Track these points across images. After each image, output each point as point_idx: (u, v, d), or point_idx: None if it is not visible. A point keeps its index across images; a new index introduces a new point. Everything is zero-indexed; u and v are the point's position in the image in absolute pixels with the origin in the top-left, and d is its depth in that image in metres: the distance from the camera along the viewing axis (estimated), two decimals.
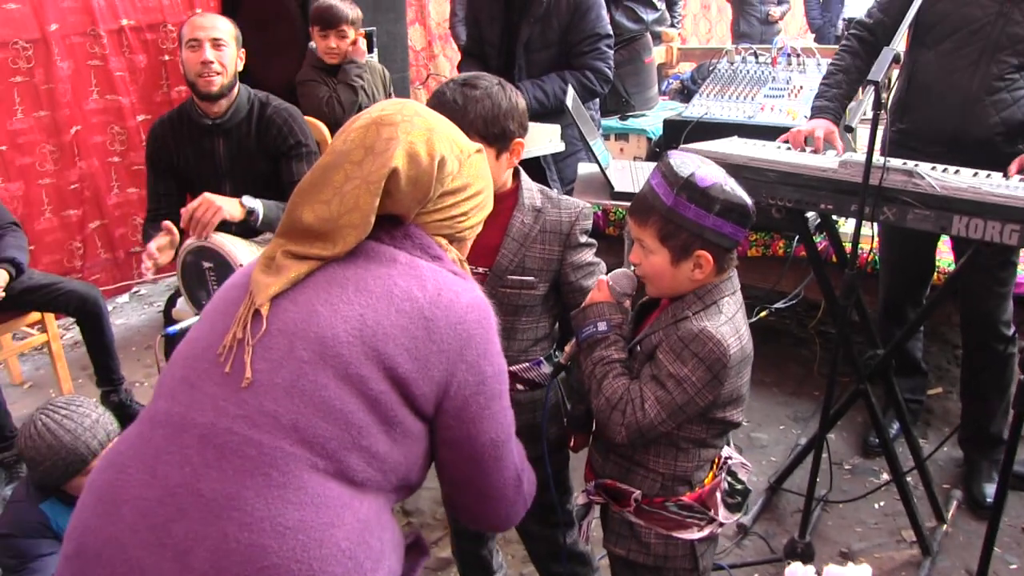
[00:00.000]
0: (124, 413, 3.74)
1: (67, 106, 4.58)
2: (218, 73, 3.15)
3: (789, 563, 1.82)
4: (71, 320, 3.92)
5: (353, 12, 4.17)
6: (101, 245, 4.95)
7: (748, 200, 1.89)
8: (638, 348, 1.98)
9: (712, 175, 1.87)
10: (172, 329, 2.53)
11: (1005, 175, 2.58)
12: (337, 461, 1.36)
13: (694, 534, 1.99)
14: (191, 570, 1.27)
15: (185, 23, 3.16)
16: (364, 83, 4.27)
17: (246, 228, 3.11)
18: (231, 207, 2.95)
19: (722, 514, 2.04)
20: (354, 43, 4.21)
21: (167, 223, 3.00)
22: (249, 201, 3.02)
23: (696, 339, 1.86)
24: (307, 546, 1.30)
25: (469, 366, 1.47)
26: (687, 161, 1.90)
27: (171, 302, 3.27)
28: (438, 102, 2.18)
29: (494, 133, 2.16)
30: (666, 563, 2.02)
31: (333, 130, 4.20)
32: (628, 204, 3.39)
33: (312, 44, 4.28)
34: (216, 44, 3.14)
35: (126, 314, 5.20)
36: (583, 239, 2.25)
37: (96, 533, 1.34)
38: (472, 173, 1.60)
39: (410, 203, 1.51)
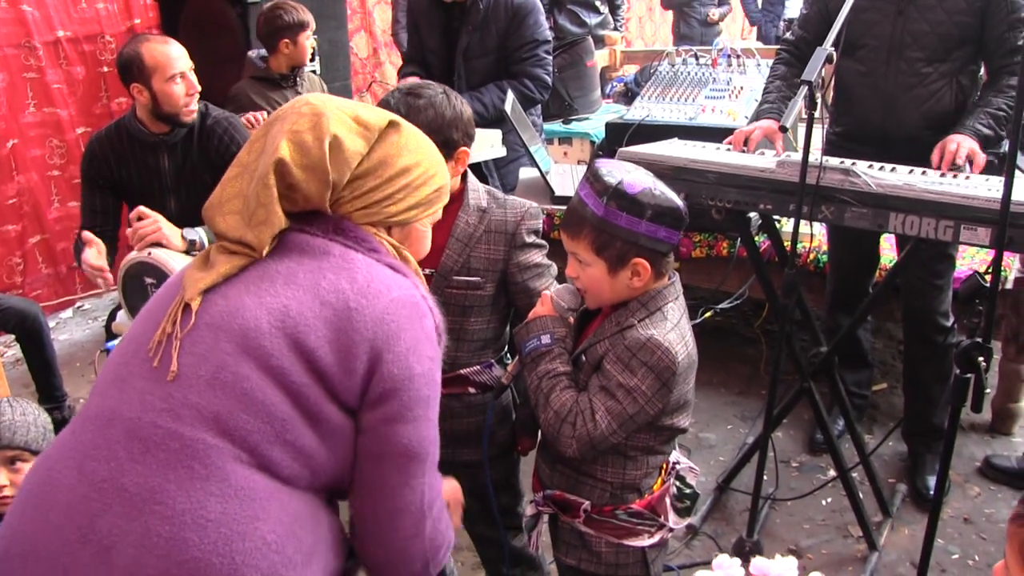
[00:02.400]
0: None
1: (2, 119, 4.50)
2: (196, 99, 3.13)
3: (716, 555, 1.83)
4: (12, 337, 3.84)
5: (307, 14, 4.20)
6: (42, 260, 4.87)
7: (679, 202, 1.89)
8: (583, 358, 1.97)
9: (640, 181, 1.87)
10: (112, 344, 2.49)
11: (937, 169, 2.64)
12: (259, 455, 1.35)
13: (645, 541, 1.99)
14: (113, 567, 1.26)
15: (144, 54, 3.03)
16: (303, 89, 4.25)
17: None
18: (173, 238, 2.92)
19: (672, 519, 2.04)
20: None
21: (86, 233, 2.96)
22: (190, 233, 2.99)
23: (644, 348, 1.85)
24: (230, 539, 1.29)
25: (396, 358, 1.42)
26: (614, 169, 1.89)
27: (112, 316, 3.22)
28: None
29: (438, 142, 2.13)
30: (618, 571, 2.02)
31: None
32: None
33: (253, 55, 4.23)
34: (191, 71, 3.11)
35: (70, 329, 5.12)
36: (530, 239, 2.24)
37: (23, 536, 1.33)
38: (390, 151, 1.54)
39: (315, 191, 1.47)
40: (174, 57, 3.06)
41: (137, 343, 1.44)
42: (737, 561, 1.70)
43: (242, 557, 1.29)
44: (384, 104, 2.15)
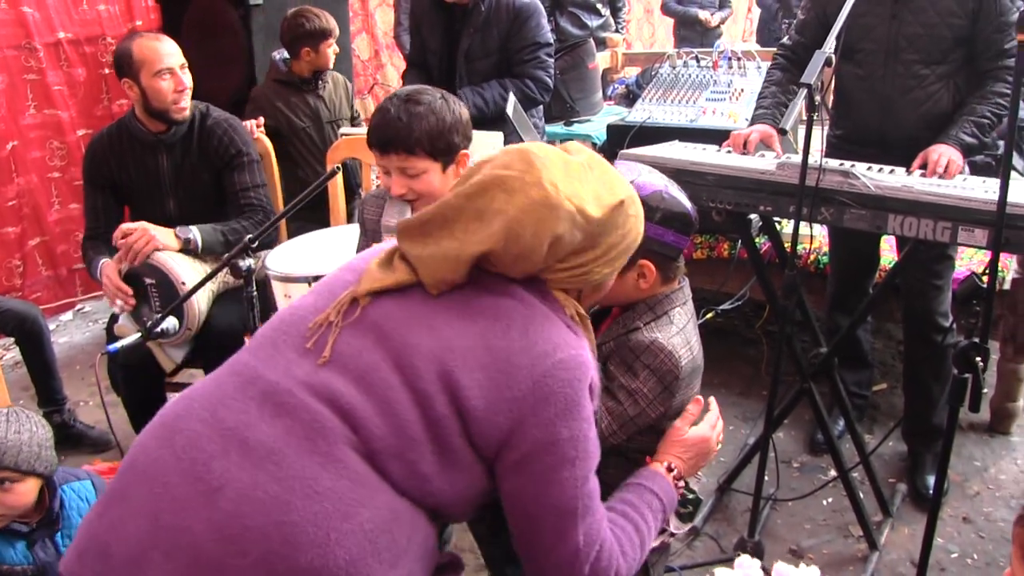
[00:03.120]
0: (66, 433, 3.69)
1: (2, 121, 4.51)
2: (188, 96, 3.14)
3: (739, 554, 1.83)
4: (11, 340, 3.85)
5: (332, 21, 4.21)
6: (42, 262, 4.87)
7: (690, 207, 1.91)
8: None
9: (652, 183, 1.89)
10: (114, 347, 2.50)
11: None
12: (378, 462, 1.39)
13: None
14: (216, 508, 1.31)
15: (134, 50, 3.05)
16: (325, 93, 4.27)
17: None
18: (166, 239, 2.95)
19: (673, 524, 2.03)
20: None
21: (115, 257, 3.03)
22: (184, 232, 3.00)
23: (647, 351, 1.86)
24: (331, 515, 1.32)
25: (540, 423, 1.42)
26: (629, 169, 1.91)
27: (113, 319, 3.23)
28: (382, 119, 2.20)
29: (440, 148, 2.19)
30: None
31: (289, 143, 4.18)
32: None
33: (278, 56, 4.23)
34: (183, 68, 3.12)
35: (70, 332, 5.12)
36: None
37: (148, 452, 1.41)
38: (606, 230, 1.53)
39: (519, 272, 1.50)
40: (163, 53, 3.07)
41: (301, 315, 1.52)
42: (757, 563, 1.71)
43: (336, 536, 1.31)
44: (384, 112, 2.18)
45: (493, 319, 1.45)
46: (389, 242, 1.62)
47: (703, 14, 8.10)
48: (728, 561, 2.92)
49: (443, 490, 1.44)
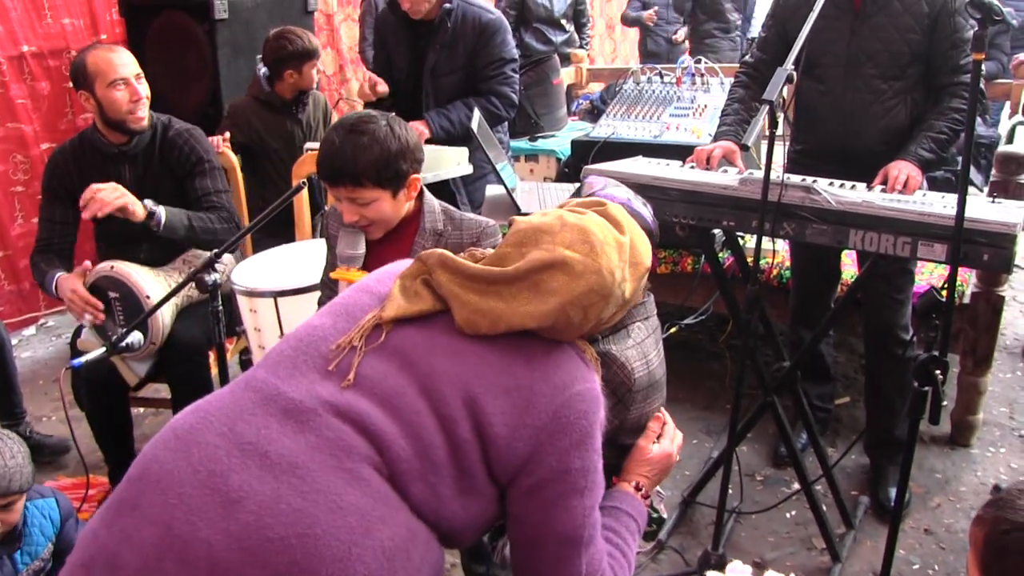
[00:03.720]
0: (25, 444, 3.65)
1: None
2: (144, 106, 3.13)
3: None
4: None
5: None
6: (5, 277, 4.83)
7: (652, 221, 1.92)
8: None
9: (617, 195, 1.90)
10: (77, 361, 2.48)
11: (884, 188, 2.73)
12: (400, 483, 1.41)
13: None
14: (235, 520, 1.30)
15: (88, 61, 3.05)
16: (304, 117, 4.27)
17: (154, 252, 3.09)
18: (134, 204, 2.93)
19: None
20: None
21: (86, 263, 3.04)
22: (152, 205, 2.99)
23: (599, 362, 1.87)
24: (354, 530, 1.33)
25: (556, 452, 1.47)
26: (596, 181, 1.93)
27: (77, 333, 3.21)
28: (328, 151, 2.21)
29: (387, 177, 2.20)
30: None
31: (258, 162, 4.17)
32: None
33: (262, 71, 4.21)
34: (138, 78, 3.11)
35: (33, 347, 5.06)
36: None
37: (162, 463, 1.39)
38: (631, 291, 1.63)
39: (550, 335, 1.54)
40: (116, 64, 3.06)
41: (320, 335, 1.53)
42: (749, 569, 1.72)
43: (358, 551, 1.32)
44: (329, 144, 2.20)
45: (516, 349, 1.50)
46: (404, 263, 1.66)
47: (670, 29, 8.19)
48: (692, 574, 2.95)
49: (457, 514, 1.47)
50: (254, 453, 1.37)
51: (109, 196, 2.88)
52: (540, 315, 1.49)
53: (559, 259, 1.51)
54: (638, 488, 1.86)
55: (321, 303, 2.50)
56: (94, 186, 2.91)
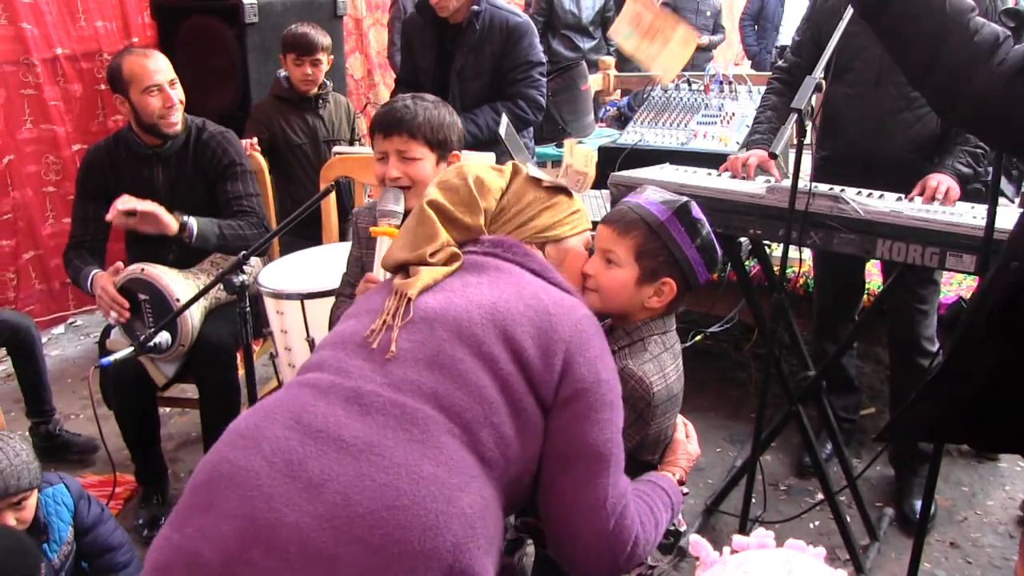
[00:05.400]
0: (52, 443, 3.70)
1: None
2: (178, 111, 3.17)
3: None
4: (3, 352, 3.85)
5: (326, 39, 4.20)
6: (36, 276, 4.88)
7: (718, 248, 1.96)
8: None
9: (700, 212, 1.95)
10: (106, 360, 2.51)
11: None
12: (471, 432, 1.47)
13: None
14: (322, 501, 1.34)
15: (124, 66, 3.10)
16: (325, 113, 4.30)
17: (182, 254, 3.12)
18: (169, 220, 2.98)
19: (653, 557, 2.03)
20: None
21: (118, 263, 3.06)
22: (182, 217, 3.02)
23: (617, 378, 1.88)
24: (437, 498, 1.38)
25: (587, 361, 1.58)
26: (670, 195, 1.98)
27: (106, 333, 3.24)
28: (389, 108, 2.36)
29: (439, 139, 2.35)
30: None
31: (283, 159, 4.20)
32: None
33: (281, 72, 4.26)
34: (172, 84, 3.15)
35: (62, 345, 5.11)
36: None
37: (232, 462, 1.42)
38: (522, 184, 1.85)
39: (472, 220, 1.76)
40: (151, 70, 3.10)
41: (350, 332, 1.62)
42: (771, 533, 1.72)
43: (445, 519, 1.37)
44: (391, 104, 2.39)
45: (518, 286, 1.64)
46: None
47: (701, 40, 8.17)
48: None
49: (519, 453, 1.54)
50: (328, 439, 1.41)
51: (145, 206, 2.94)
52: (425, 195, 1.77)
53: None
54: (680, 482, 1.96)
55: (334, 311, 2.52)
56: (142, 204, 2.97)
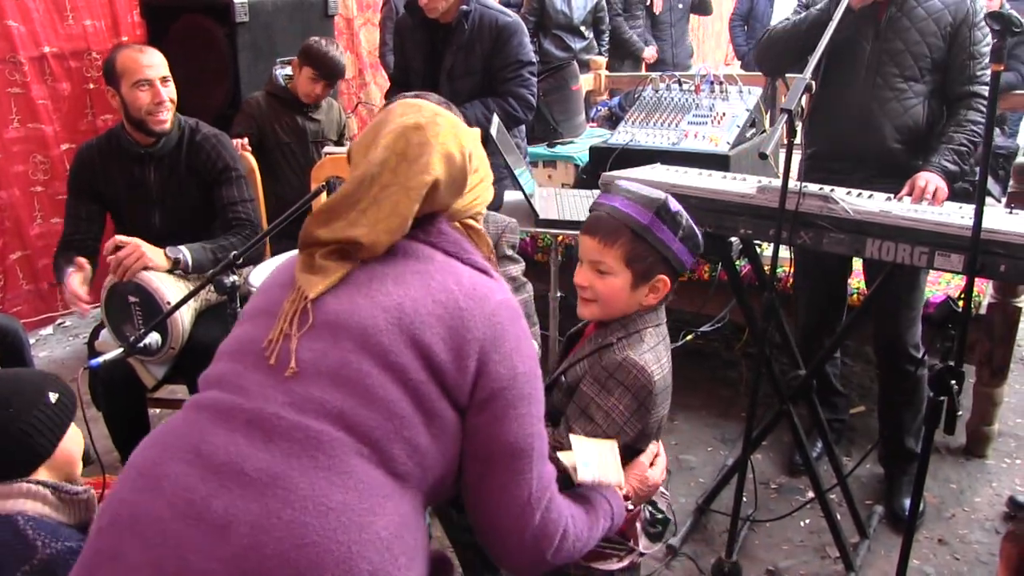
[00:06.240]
0: None
1: None
2: (168, 110, 3.15)
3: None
4: None
5: (345, 66, 4.27)
6: (23, 276, 4.85)
7: (698, 230, 1.96)
8: (562, 379, 2.00)
9: (677, 203, 1.94)
10: (95, 361, 2.49)
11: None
12: (381, 450, 1.39)
13: (614, 565, 2.00)
14: (229, 544, 1.27)
15: (118, 59, 3.10)
16: (316, 115, 4.31)
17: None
18: (157, 258, 2.94)
19: (642, 544, 2.04)
20: None
21: (80, 259, 3.03)
22: (174, 252, 3.00)
23: (620, 368, 1.89)
24: (348, 528, 1.31)
25: (502, 358, 1.50)
26: (650, 190, 1.96)
27: (95, 334, 3.23)
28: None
29: None
30: None
31: (271, 156, 4.20)
32: (555, 232, 3.44)
33: (279, 71, 4.26)
34: (164, 81, 3.14)
35: (50, 346, 5.10)
36: (508, 252, 2.30)
37: (133, 506, 1.35)
38: (481, 154, 1.72)
39: (450, 201, 1.62)
40: (144, 64, 3.10)
41: (248, 339, 1.52)
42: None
43: (358, 548, 1.31)
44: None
45: (426, 278, 1.51)
46: (290, 255, 1.69)
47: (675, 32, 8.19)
48: None
49: (438, 461, 1.48)
50: (230, 473, 1.33)
51: (130, 261, 2.89)
52: (427, 166, 1.54)
53: (405, 126, 1.56)
54: (626, 496, 1.87)
55: None
56: (116, 241, 2.93)
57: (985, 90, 2.97)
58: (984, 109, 2.96)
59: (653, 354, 1.94)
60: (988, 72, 2.86)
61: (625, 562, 2.01)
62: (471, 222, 1.71)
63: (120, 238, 2.95)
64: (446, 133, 1.58)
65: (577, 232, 3.53)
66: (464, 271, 1.56)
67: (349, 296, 1.48)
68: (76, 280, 2.98)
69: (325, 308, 1.47)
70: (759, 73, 4.07)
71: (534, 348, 1.60)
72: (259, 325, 1.52)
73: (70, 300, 2.99)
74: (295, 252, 1.64)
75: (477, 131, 1.72)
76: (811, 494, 3.19)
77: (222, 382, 1.48)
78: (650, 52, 7.78)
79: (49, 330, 5.23)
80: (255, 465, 1.33)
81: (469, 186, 1.66)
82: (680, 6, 8.04)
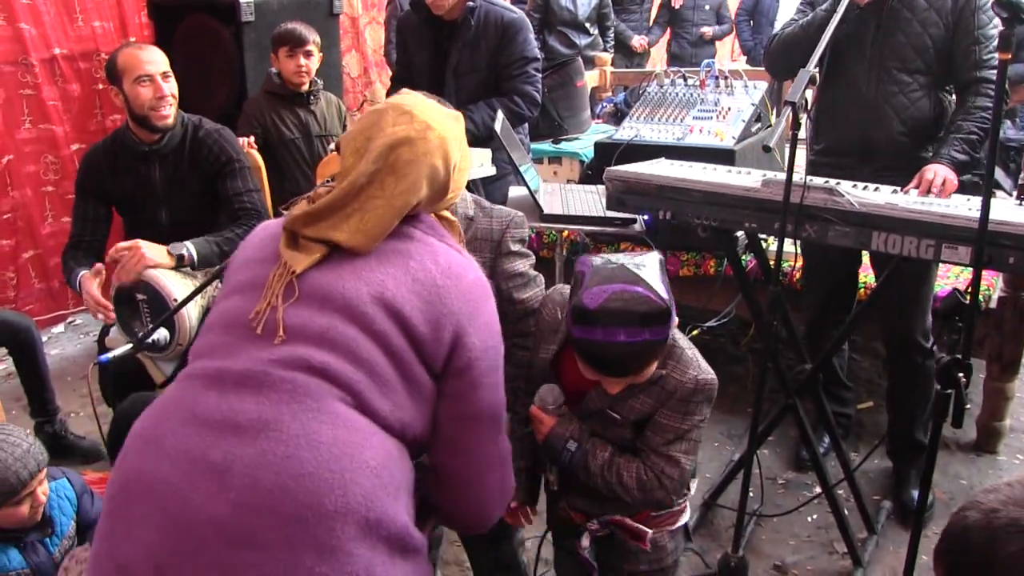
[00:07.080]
0: (58, 444, 3.70)
1: None
2: (170, 105, 3.18)
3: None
4: (4, 351, 3.86)
5: (315, 34, 4.21)
6: (35, 275, 4.89)
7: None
8: (614, 416, 2.00)
9: (658, 291, 1.83)
10: (105, 357, 2.52)
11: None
12: (364, 401, 1.50)
13: (683, 519, 2.22)
14: (229, 486, 1.38)
15: (119, 57, 3.14)
16: (317, 109, 4.30)
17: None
18: (159, 256, 2.95)
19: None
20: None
21: (98, 265, 3.06)
22: (177, 248, 3.01)
23: (696, 392, 1.96)
24: (339, 458, 1.42)
25: (476, 331, 1.62)
26: (623, 292, 1.81)
27: (105, 331, 3.25)
28: None
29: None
30: (676, 552, 2.24)
31: (277, 153, 4.21)
32: (560, 227, 3.43)
33: (273, 69, 4.27)
34: (165, 76, 3.17)
35: (61, 344, 5.13)
36: (515, 247, 2.28)
37: (139, 470, 1.47)
38: (465, 151, 1.79)
39: (430, 208, 1.73)
40: (144, 60, 3.14)
41: (235, 312, 1.60)
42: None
43: (350, 475, 1.42)
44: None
45: (406, 257, 1.62)
46: (275, 223, 1.74)
47: (704, 30, 8.19)
48: None
49: (415, 419, 1.59)
50: (224, 426, 1.43)
51: (132, 264, 2.90)
52: (414, 186, 1.63)
53: (397, 139, 1.62)
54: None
55: None
56: (118, 248, 2.95)
57: (993, 75, 2.95)
58: (992, 94, 2.94)
59: (693, 352, 2.02)
60: (995, 56, 2.84)
61: (688, 511, 2.23)
62: (445, 214, 1.81)
63: (120, 245, 2.97)
64: (434, 148, 1.65)
65: (581, 227, 3.57)
66: (440, 248, 1.66)
67: (334, 271, 1.57)
68: (94, 287, 3.00)
69: (310, 281, 1.56)
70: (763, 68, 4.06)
71: (498, 322, 1.71)
72: (246, 298, 1.60)
73: (94, 311, 3.02)
74: (271, 223, 1.71)
75: (463, 135, 1.79)
76: (818, 489, 3.19)
77: (212, 352, 1.57)
78: (639, 40, 7.82)
79: (60, 328, 5.27)
80: (247, 416, 1.44)
81: (450, 190, 1.75)
82: (707, 7, 8.12)
